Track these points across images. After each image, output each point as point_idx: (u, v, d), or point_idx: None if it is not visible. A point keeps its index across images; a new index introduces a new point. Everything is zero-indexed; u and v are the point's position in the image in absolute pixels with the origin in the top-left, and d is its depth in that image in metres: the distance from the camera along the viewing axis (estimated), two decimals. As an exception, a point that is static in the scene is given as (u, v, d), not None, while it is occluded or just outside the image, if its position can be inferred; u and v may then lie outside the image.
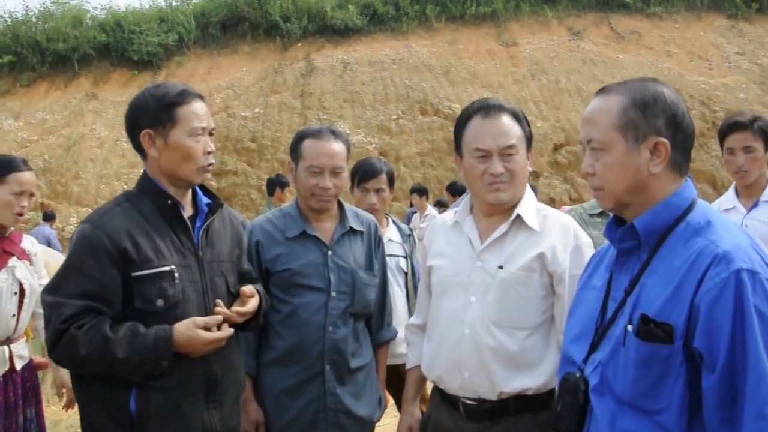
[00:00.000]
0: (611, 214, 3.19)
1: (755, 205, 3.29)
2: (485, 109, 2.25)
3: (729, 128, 3.27)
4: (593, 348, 1.70)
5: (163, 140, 2.15)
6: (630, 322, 1.59)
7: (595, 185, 1.71)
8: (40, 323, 3.61)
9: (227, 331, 2.16)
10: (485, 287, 2.22)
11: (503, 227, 2.26)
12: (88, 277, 2.01)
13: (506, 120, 2.24)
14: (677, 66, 17.37)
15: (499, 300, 2.20)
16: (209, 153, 2.20)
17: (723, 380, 1.45)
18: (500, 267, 2.22)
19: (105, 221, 2.07)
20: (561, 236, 2.25)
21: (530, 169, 2.34)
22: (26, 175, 3.21)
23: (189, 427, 2.10)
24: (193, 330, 2.06)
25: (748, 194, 3.32)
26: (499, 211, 2.28)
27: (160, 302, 2.07)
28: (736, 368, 1.44)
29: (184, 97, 2.17)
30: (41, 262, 3.58)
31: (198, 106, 2.19)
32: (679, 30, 18.67)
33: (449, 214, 2.49)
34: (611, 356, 1.62)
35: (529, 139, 2.31)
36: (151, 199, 2.17)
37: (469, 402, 2.23)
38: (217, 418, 2.18)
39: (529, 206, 2.30)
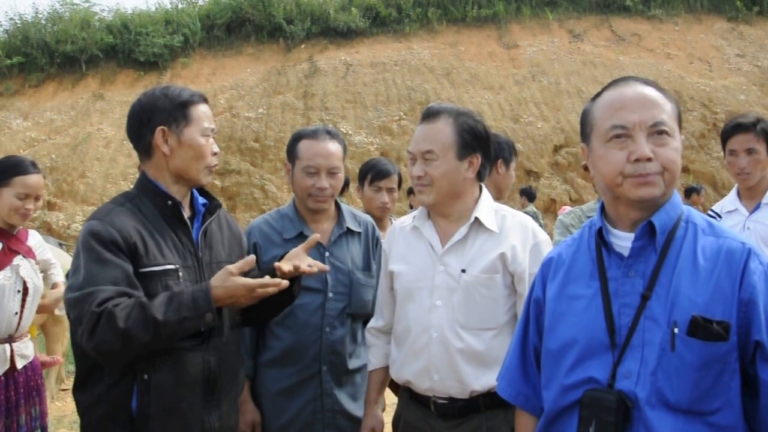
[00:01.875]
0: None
1: (757, 207, 3.26)
2: None
3: (732, 130, 3.23)
4: (618, 361, 1.57)
5: (176, 138, 2.16)
6: (674, 325, 1.52)
7: (654, 170, 1.59)
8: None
9: (275, 280, 2.03)
10: (449, 291, 2.25)
11: (462, 230, 2.29)
12: (112, 265, 1.98)
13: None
14: (678, 68, 17.37)
15: (464, 303, 2.22)
16: (215, 154, 2.24)
17: None
18: (463, 270, 2.24)
19: (113, 217, 2.06)
20: (520, 236, 2.28)
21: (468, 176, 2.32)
22: (32, 179, 3.19)
23: (187, 427, 2.09)
24: (229, 279, 1.97)
25: (751, 196, 3.29)
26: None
27: None
28: None
29: (195, 97, 2.22)
30: (43, 247, 3.63)
31: (206, 108, 2.25)
32: (679, 32, 18.67)
33: (407, 219, 2.50)
34: (658, 364, 1.53)
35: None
36: (151, 200, 2.17)
37: (440, 401, 2.26)
38: (216, 417, 2.17)
39: (487, 208, 2.33)
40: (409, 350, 2.32)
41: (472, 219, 2.29)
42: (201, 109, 2.22)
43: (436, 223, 2.37)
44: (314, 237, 2.24)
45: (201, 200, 2.31)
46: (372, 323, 2.64)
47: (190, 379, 2.09)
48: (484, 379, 2.20)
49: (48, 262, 3.75)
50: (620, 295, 1.60)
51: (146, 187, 2.20)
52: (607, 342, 1.59)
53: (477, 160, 2.30)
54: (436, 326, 2.25)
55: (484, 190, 2.40)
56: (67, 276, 2.29)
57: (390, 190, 3.82)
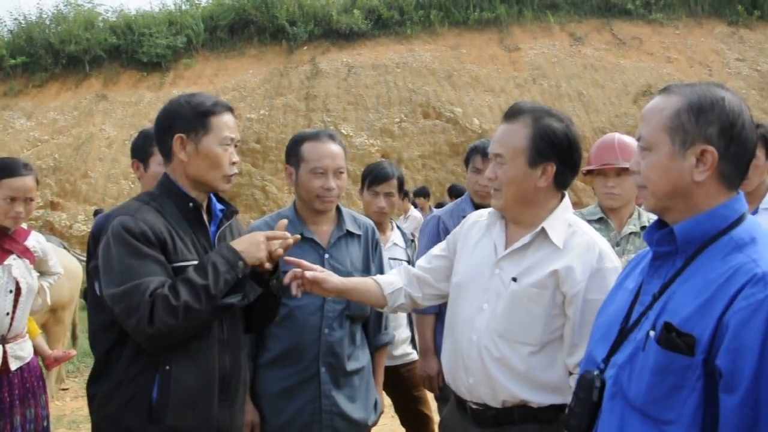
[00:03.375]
0: (610, 221, 3.24)
1: (755, 212, 3.17)
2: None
3: None
4: (614, 349, 1.65)
5: (194, 146, 2.20)
6: (653, 328, 1.54)
7: (639, 183, 1.66)
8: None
9: (283, 233, 2.26)
10: (498, 296, 2.17)
11: (526, 238, 2.18)
12: (151, 259, 2.07)
13: None
14: (677, 72, 17.37)
15: (507, 312, 2.14)
16: (234, 163, 2.26)
17: (745, 405, 1.38)
18: (514, 279, 2.15)
19: (143, 214, 2.13)
20: (582, 256, 2.12)
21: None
22: (20, 181, 3.10)
23: (203, 422, 2.13)
24: (245, 236, 2.22)
25: (749, 201, 2.94)
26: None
27: None
28: (761, 394, 1.37)
29: (218, 107, 2.24)
30: (49, 257, 3.59)
31: (228, 118, 2.26)
32: (679, 36, 18.69)
33: (485, 213, 2.40)
34: (629, 360, 1.58)
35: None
36: (173, 201, 2.22)
37: (475, 406, 2.22)
38: (228, 416, 2.21)
39: (559, 221, 2.19)
40: (452, 348, 2.30)
41: (539, 228, 2.16)
42: (223, 119, 2.24)
43: (506, 226, 2.29)
44: (282, 223, 2.32)
45: (218, 206, 2.37)
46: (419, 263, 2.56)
47: (208, 375, 2.15)
48: (516, 394, 2.13)
49: (49, 269, 3.70)
50: (643, 292, 1.66)
51: (169, 189, 2.26)
52: (617, 331, 1.67)
53: (551, 168, 2.15)
54: (478, 330, 2.18)
55: (565, 201, 2.25)
56: (92, 272, 2.42)
57: (388, 195, 3.83)
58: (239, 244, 2.17)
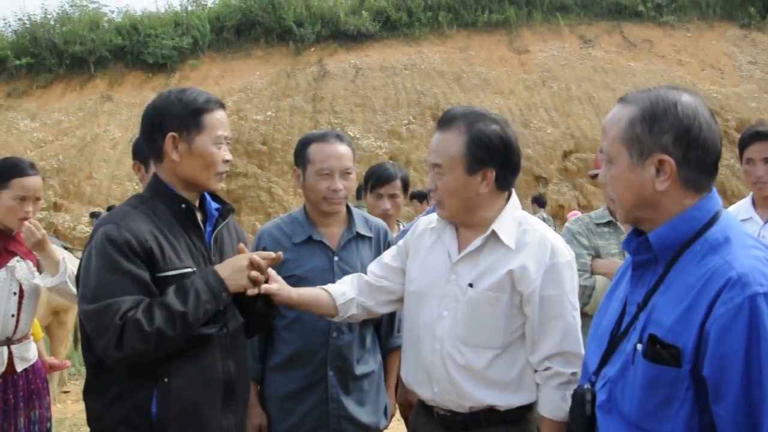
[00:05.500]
0: (620, 224, 3.13)
1: None
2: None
3: (750, 138, 3.15)
4: (604, 361, 1.64)
5: (187, 145, 2.11)
6: (640, 340, 1.52)
7: (609, 196, 1.66)
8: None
9: (267, 253, 2.19)
10: (456, 303, 2.15)
11: (477, 241, 2.16)
12: (129, 275, 1.97)
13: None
14: (689, 75, 17.34)
15: (467, 318, 2.12)
16: (226, 161, 2.18)
17: (739, 412, 1.36)
18: (470, 285, 2.13)
19: (129, 222, 2.03)
20: (535, 254, 2.11)
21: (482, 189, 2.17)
22: (30, 181, 3.11)
23: (207, 430, 2.08)
24: (229, 261, 2.12)
25: (766, 205, 3.21)
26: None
27: None
28: (753, 399, 1.35)
29: (210, 104, 2.15)
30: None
31: (221, 115, 2.18)
32: (691, 39, 18.66)
33: (434, 219, 2.38)
34: (620, 374, 1.56)
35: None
36: (165, 203, 2.14)
37: (442, 412, 2.21)
38: (233, 421, 2.16)
39: (508, 221, 2.18)
40: (414, 358, 2.27)
41: (489, 231, 2.13)
42: (216, 116, 2.15)
43: (457, 230, 2.26)
44: (278, 255, 2.23)
45: (214, 204, 2.28)
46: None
47: (211, 383, 2.09)
48: (483, 397, 2.12)
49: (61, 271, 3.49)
50: (629, 302, 1.64)
51: (160, 190, 2.16)
52: (607, 342, 1.66)
53: (491, 173, 2.11)
54: (440, 338, 2.16)
55: (512, 200, 2.23)
56: (77, 278, 2.29)
57: (392, 196, 3.78)
58: (224, 269, 2.08)
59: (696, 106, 1.53)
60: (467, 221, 2.20)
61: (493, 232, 2.13)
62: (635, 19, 19.22)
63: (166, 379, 2.00)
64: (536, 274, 2.07)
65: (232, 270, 2.08)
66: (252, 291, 2.12)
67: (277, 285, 2.23)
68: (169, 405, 2.00)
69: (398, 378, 3.14)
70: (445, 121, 2.16)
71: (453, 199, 2.14)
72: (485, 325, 2.11)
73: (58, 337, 5.97)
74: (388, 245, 2.84)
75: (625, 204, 1.60)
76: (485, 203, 2.16)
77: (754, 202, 3.30)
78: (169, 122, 2.10)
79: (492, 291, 2.10)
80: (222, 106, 2.21)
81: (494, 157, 2.10)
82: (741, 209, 3.34)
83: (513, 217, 2.18)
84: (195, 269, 2.09)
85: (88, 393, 2.12)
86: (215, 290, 2.02)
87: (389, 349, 2.94)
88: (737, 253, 1.45)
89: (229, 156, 2.19)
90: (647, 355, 1.47)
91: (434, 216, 2.37)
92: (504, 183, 2.16)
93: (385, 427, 2.86)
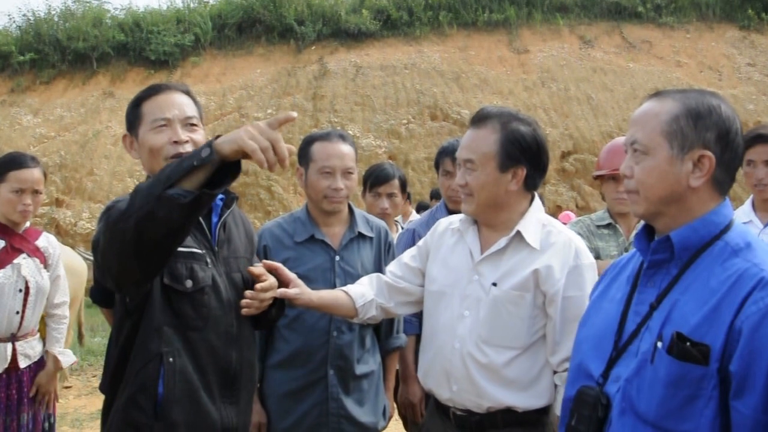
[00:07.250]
0: (619, 226, 3.18)
1: None
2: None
3: (751, 140, 3.14)
4: (612, 363, 1.64)
5: (137, 141, 2.08)
6: (660, 338, 1.52)
7: (630, 188, 1.66)
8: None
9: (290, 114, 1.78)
10: (478, 302, 2.18)
11: (502, 242, 2.20)
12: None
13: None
14: (687, 76, 17.28)
15: (490, 317, 2.15)
16: (177, 142, 2.01)
17: (758, 409, 1.38)
18: (494, 284, 2.16)
19: None
20: (560, 255, 2.16)
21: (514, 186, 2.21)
22: (27, 173, 3.13)
23: (208, 419, 2.06)
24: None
25: (766, 208, 3.22)
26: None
27: (189, 282, 2.00)
28: None
29: (150, 91, 2.07)
30: (57, 259, 3.54)
31: (164, 98, 2.06)
32: (690, 40, 18.59)
33: (455, 219, 2.42)
34: (636, 373, 1.56)
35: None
36: None
37: (459, 412, 2.22)
38: (234, 413, 2.14)
39: (533, 222, 2.23)
40: (433, 357, 2.28)
41: (514, 232, 2.19)
42: (155, 102, 2.05)
43: (480, 230, 2.30)
44: (291, 115, 1.81)
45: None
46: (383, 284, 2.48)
47: (212, 368, 2.06)
48: (501, 399, 2.14)
49: (57, 281, 3.57)
50: (636, 302, 1.65)
51: None
52: (612, 343, 1.65)
53: (522, 171, 2.18)
54: (461, 337, 2.19)
55: (536, 201, 2.29)
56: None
57: (390, 196, 3.82)
58: (226, 136, 1.75)
59: (733, 112, 1.60)
60: (491, 220, 2.25)
61: (518, 233, 2.19)
62: (635, 20, 19.12)
63: (171, 359, 1.98)
64: (560, 274, 2.13)
65: (236, 131, 1.71)
66: (271, 292, 2.10)
67: (296, 290, 2.24)
68: (174, 385, 1.98)
69: (397, 378, 3.23)
70: (480, 119, 2.22)
71: (483, 195, 2.19)
72: (508, 325, 2.14)
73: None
74: (388, 246, 2.91)
75: (652, 196, 1.60)
76: (511, 202, 2.22)
77: (753, 206, 3.30)
78: (126, 123, 2.11)
79: (517, 290, 2.14)
80: (173, 89, 2.09)
81: (526, 156, 2.18)
82: (741, 212, 3.34)
83: (537, 219, 2.24)
84: (205, 252, 2.05)
85: (105, 373, 2.12)
86: (200, 152, 1.70)
87: (388, 350, 2.98)
88: (763, 256, 1.50)
89: (179, 136, 2.01)
90: (674, 353, 1.47)
91: (456, 217, 2.43)
92: (532, 183, 2.24)
93: (384, 428, 2.90)
